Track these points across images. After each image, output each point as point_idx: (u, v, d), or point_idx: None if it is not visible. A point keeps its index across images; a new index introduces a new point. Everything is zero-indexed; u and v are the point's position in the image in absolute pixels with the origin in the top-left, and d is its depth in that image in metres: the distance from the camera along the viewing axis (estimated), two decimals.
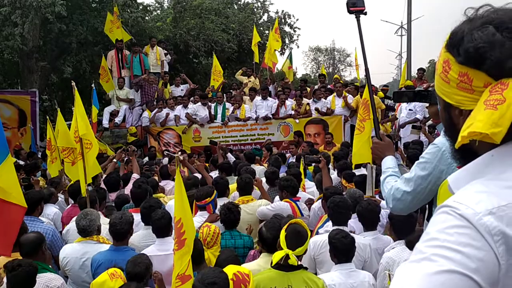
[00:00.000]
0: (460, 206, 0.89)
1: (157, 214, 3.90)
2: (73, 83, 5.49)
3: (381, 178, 2.18)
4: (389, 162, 2.22)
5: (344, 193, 4.85)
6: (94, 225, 3.89)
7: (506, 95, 0.93)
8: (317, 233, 4.36)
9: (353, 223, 4.21)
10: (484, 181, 0.95)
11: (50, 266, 3.57)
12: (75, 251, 3.88)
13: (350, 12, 2.64)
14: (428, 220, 2.11)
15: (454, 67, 1.02)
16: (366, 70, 2.80)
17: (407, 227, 3.26)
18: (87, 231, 3.88)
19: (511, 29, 0.96)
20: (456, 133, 1.02)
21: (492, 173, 0.96)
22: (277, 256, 2.85)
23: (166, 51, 13.12)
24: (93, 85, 9.81)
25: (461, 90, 1.02)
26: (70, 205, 5.42)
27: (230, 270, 2.78)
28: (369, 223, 3.94)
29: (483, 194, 0.91)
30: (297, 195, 4.93)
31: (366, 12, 2.66)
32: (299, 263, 2.96)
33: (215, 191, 4.64)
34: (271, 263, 2.93)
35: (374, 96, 10.13)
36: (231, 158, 8.37)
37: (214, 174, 6.75)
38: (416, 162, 1.97)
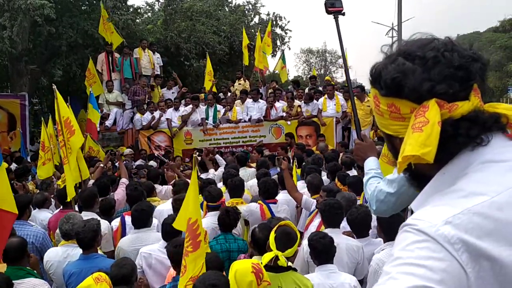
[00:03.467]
0: (417, 222, 0.92)
1: (168, 219, 3.87)
2: (54, 87, 5.44)
3: (364, 179, 2.17)
4: (371, 163, 2.21)
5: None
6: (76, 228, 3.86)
7: (428, 116, 0.98)
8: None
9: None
10: (439, 196, 0.99)
11: (35, 271, 3.53)
12: (58, 255, 3.89)
13: (328, 12, 2.64)
14: None
15: (381, 100, 1.10)
16: (346, 70, 2.81)
17: (396, 228, 3.26)
18: (70, 235, 3.87)
19: (420, 57, 1.03)
20: None
21: (446, 188, 0.99)
22: (267, 257, 2.86)
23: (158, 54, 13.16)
24: (91, 89, 9.79)
25: (394, 119, 1.09)
26: (58, 210, 5.35)
27: (247, 262, 2.78)
28: (360, 231, 3.90)
29: (438, 207, 0.94)
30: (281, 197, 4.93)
31: (344, 13, 2.66)
32: (289, 264, 2.96)
33: None
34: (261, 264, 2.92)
35: (366, 100, 10.27)
36: (220, 160, 8.33)
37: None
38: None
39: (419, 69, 1.02)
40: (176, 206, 4.24)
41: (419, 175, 1.09)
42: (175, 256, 3.19)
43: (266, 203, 4.79)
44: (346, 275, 3.27)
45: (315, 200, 4.79)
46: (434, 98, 0.99)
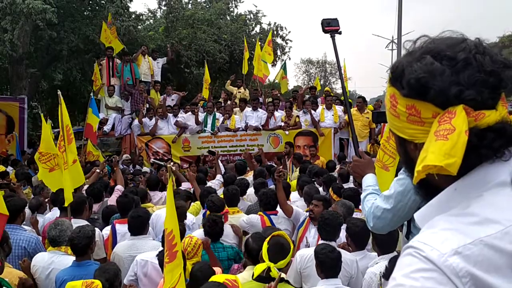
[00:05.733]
0: (425, 247, 0.86)
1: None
2: (59, 93, 5.45)
3: (362, 196, 2.17)
4: (369, 180, 2.21)
5: (334, 204, 4.83)
6: (64, 235, 3.84)
7: (454, 123, 0.90)
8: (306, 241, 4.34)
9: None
10: (449, 217, 0.91)
11: (8, 282, 3.45)
12: (43, 260, 3.85)
13: (325, 31, 2.68)
14: (406, 237, 2.09)
15: (400, 100, 1.00)
16: (343, 88, 2.86)
17: (390, 242, 3.25)
18: (57, 241, 3.84)
19: (449, 57, 0.95)
20: (414, 168, 0.97)
21: (456, 207, 0.92)
22: (259, 268, 2.85)
23: (161, 58, 13.21)
24: (91, 94, 9.79)
25: (411, 123, 1.00)
26: (54, 216, 5.30)
27: (219, 279, 2.76)
28: (360, 243, 3.87)
29: (448, 232, 0.87)
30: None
31: (340, 32, 2.69)
32: (283, 275, 2.95)
33: None
34: (253, 275, 2.91)
35: (366, 112, 10.29)
36: (221, 166, 8.30)
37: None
38: (395, 178, 1.96)
39: (448, 71, 0.93)
40: None
41: (428, 184, 1.01)
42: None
43: (266, 214, 4.77)
44: None
45: (304, 212, 4.77)
46: (461, 104, 0.91)
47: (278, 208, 4.93)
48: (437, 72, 0.94)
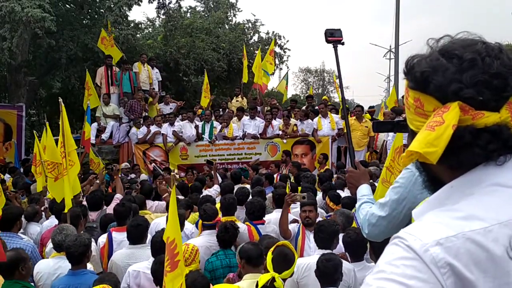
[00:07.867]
0: (409, 237, 0.89)
1: (157, 236, 3.79)
2: (60, 100, 5.46)
3: (356, 205, 2.19)
4: (364, 190, 2.23)
5: (332, 213, 4.83)
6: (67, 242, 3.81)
7: (445, 117, 0.93)
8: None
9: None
10: (438, 212, 0.94)
11: (32, 284, 3.47)
12: (48, 266, 3.84)
13: (328, 42, 2.71)
14: None
15: (410, 92, 1.05)
16: (343, 98, 2.88)
17: None
18: (63, 245, 3.81)
19: (458, 56, 0.98)
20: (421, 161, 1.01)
21: (448, 204, 0.95)
22: (263, 279, 2.83)
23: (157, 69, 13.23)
24: (88, 103, 9.81)
25: (418, 115, 1.03)
26: (53, 224, 5.28)
27: (226, 287, 2.74)
28: (357, 254, 3.85)
29: (434, 225, 0.90)
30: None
31: (343, 42, 2.73)
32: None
33: None
34: (257, 285, 2.89)
35: (364, 121, 10.30)
36: (217, 177, 8.30)
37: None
38: (391, 186, 1.98)
39: (452, 68, 0.96)
40: None
41: (435, 179, 1.05)
42: (156, 274, 3.16)
43: (253, 224, 4.74)
44: None
45: (296, 224, 4.76)
46: (459, 101, 0.94)
47: (267, 217, 4.90)
48: (441, 68, 0.98)
